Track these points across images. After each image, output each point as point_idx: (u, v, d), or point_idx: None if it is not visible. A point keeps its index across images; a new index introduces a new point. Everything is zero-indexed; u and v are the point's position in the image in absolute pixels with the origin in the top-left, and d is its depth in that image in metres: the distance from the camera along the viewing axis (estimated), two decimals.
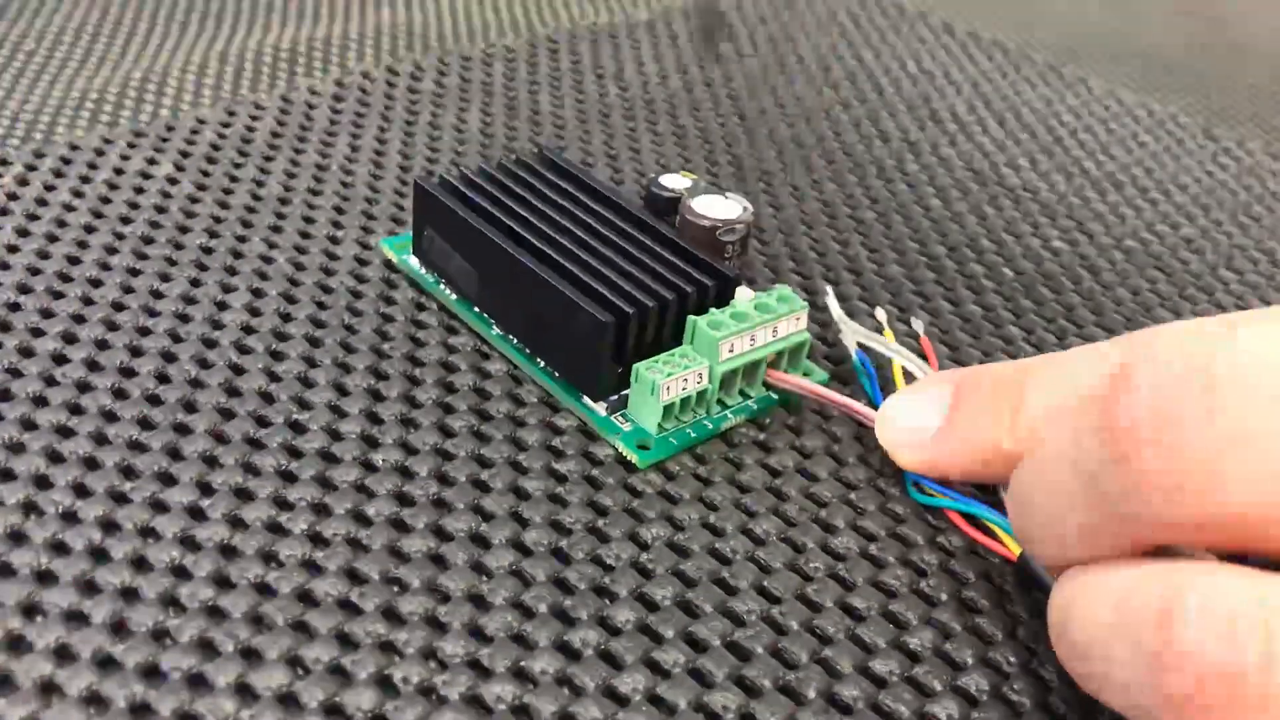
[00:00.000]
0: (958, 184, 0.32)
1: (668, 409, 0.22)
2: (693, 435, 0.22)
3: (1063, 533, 0.16)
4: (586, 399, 0.22)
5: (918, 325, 0.25)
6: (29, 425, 0.21)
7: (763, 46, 0.39)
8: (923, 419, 0.20)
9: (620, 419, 0.22)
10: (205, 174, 0.29)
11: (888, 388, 0.23)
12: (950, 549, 0.21)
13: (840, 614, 0.19)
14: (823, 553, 0.20)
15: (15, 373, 0.22)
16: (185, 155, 0.29)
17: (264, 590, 0.18)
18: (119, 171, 0.28)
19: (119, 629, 0.17)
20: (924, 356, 0.24)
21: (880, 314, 0.25)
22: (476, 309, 0.24)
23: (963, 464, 0.20)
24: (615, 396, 0.22)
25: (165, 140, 0.30)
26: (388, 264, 0.26)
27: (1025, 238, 0.30)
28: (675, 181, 0.26)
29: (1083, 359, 0.18)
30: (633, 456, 0.21)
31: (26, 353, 0.22)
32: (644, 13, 0.41)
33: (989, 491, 0.21)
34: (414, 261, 0.25)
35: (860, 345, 0.24)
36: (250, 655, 0.17)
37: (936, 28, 0.43)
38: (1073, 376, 0.18)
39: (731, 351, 0.22)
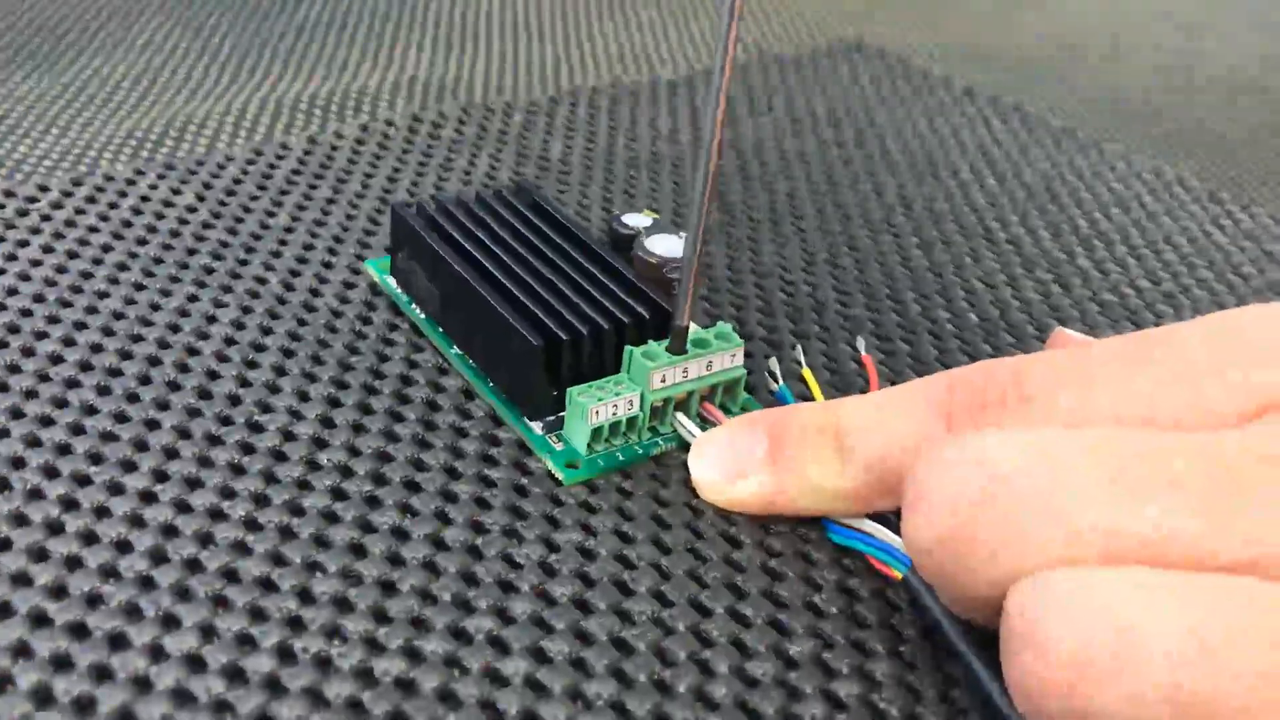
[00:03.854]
0: (943, 236, 0.33)
1: (596, 432, 0.23)
2: (621, 459, 0.23)
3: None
4: (526, 418, 0.24)
5: (860, 344, 0.26)
6: (16, 415, 0.23)
7: (779, 106, 0.41)
8: (740, 456, 0.22)
9: (554, 439, 0.24)
10: (223, 204, 0.31)
11: None
12: (852, 569, 0.21)
13: (727, 618, 0.20)
14: (724, 564, 0.21)
15: (15, 369, 0.24)
16: (207, 187, 0.32)
17: (193, 567, 0.20)
18: (145, 199, 0.31)
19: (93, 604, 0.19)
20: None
21: (799, 350, 0.26)
22: (440, 328, 0.26)
23: (781, 503, 0.22)
24: (553, 417, 0.24)
25: (193, 173, 0.33)
26: (372, 287, 0.28)
27: (999, 288, 0.31)
28: (636, 220, 0.27)
29: (899, 413, 0.20)
30: (559, 474, 0.23)
31: (28, 352, 0.25)
32: (669, 73, 0.43)
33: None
34: (391, 281, 0.27)
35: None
36: (169, 621, 0.19)
37: (957, 92, 0.44)
38: (891, 430, 0.20)
39: (664, 382, 0.23)
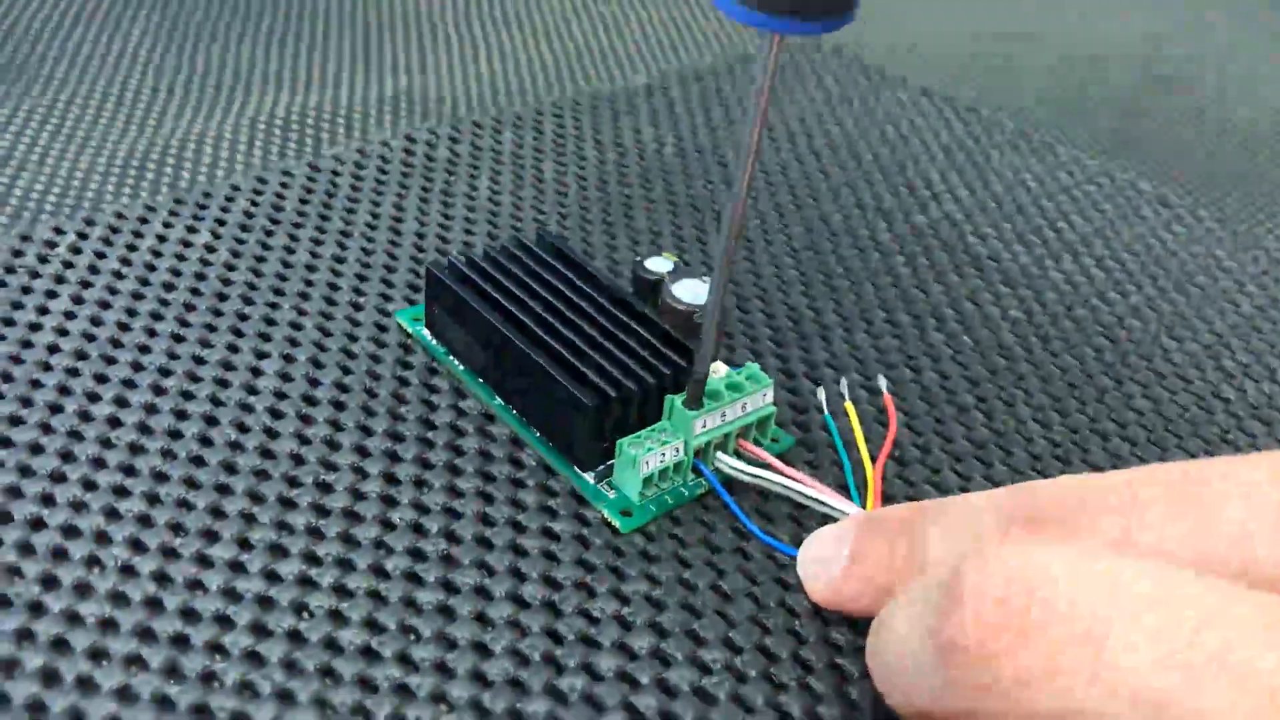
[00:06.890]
0: (925, 251, 0.35)
1: (647, 479, 0.25)
2: (669, 501, 0.25)
3: (903, 689, 0.19)
4: (576, 468, 0.25)
5: (882, 383, 0.29)
6: (89, 485, 0.24)
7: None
8: (829, 554, 0.23)
9: (606, 486, 0.25)
10: (240, 241, 0.32)
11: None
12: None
13: (793, 665, 0.22)
14: (781, 609, 0.23)
15: (77, 435, 0.25)
16: (221, 223, 0.32)
17: (296, 638, 0.21)
18: (162, 239, 0.31)
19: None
20: (886, 418, 0.27)
21: (843, 384, 0.29)
22: (481, 380, 0.27)
23: (863, 603, 0.22)
24: (602, 466, 0.25)
25: (203, 208, 0.33)
26: (404, 332, 0.29)
27: (985, 306, 0.33)
28: (658, 264, 0.29)
29: (975, 512, 0.20)
30: (616, 522, 0.24)
31: (86, 416, 0.25)
32: (642, 78, 0.44)
33: None
34: (426, 333, 0.28)
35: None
36: (284, 697, 0.20)
37: (914, 92, 0.46)
38: (970, 526, 0.20)
39: (704, 427, 0.25)
